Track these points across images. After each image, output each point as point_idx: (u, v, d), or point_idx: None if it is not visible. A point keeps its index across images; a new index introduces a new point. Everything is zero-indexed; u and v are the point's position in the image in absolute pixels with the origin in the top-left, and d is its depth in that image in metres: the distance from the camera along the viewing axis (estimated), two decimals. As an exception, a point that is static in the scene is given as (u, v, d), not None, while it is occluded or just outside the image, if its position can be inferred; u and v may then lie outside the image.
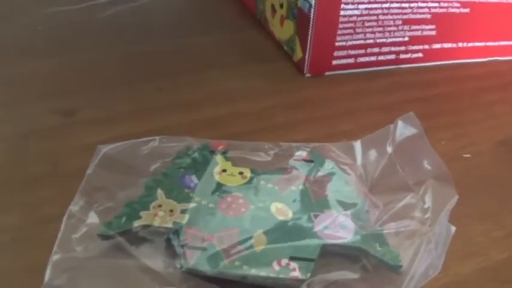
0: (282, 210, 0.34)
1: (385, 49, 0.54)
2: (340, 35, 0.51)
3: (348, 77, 0.53)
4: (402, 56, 0.55)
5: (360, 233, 0.32)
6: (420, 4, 0.52)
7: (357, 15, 0.50)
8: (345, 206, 0.34)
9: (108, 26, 0.60)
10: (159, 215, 0.33)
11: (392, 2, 0.51)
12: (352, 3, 0.50)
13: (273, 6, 0.57)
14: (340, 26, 0.50)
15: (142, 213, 0.33)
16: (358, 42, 0.52)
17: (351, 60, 0.53)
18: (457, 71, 0.56)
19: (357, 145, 0.39)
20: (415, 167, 0.37)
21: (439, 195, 0.35)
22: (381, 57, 0.54)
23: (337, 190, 0.36)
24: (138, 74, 0.52)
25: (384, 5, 0.51)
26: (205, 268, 0.30)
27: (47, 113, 0.45)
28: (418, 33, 0.54)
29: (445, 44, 0.56)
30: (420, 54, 0.55)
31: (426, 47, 0.55)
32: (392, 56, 0.55)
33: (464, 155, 0.43)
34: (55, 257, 0.31)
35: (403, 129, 0.38)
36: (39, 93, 0.48)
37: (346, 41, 0.52)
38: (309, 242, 0.32)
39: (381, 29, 0.52)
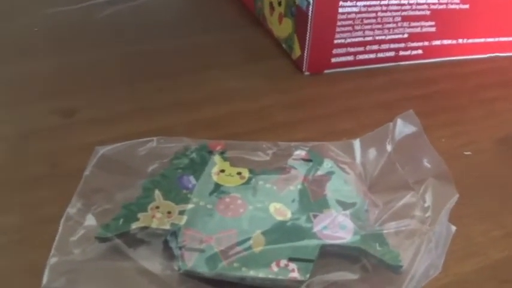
0: (280, 211, 0.33)
1: (384, 46, 0.53)
2: (338, 32, 0.51)
3: (347, 75, 0.53)
4: (402, 53, 0.55)
5: (359, 233, 0.32)
6: (419, 0, 0.52)
7: (356, 13, 0.50)
8: (344, 205, 0.34)
9: (108, 25, 0.60)
10: (157, 216, 0.33)
11: (391, -1, 0.51)
12: (351, 1, 0.49)
13: (271, 4, 0.57)
14: (339, 23, 0.50)
15: (140, 215, 0.33)
16: (357, 39, 0.52)
17: (350, 58, 0.53)
18: (457, 67, 0.56)
19: (356, 144, 0.39)
20: (415, 166, 0.37)
21: (440, 194, 0.35)
22: (380, 55, 0.54)
23: (336, 189, 0.35)
24: (138, 74, 0.51)
25: (383, 2, 0.51)
26: (204, 270, 0.30)
27: (47, 113, 0.45)
28: (418, 29, 0.54)
29: (445, 41, 0.56)
30: (420, 51, 0.55)
31: (426, 43, 0.55)
32: (392, 53, 0.54)
33: (465, 153, 0.43)
34: (53, 260, 0.30)
35: (402, 127, 0.38)
36: (38, 93, 0.48)
37: (345, 38, 0.51)
38: (308, 242, 0.31)
39: (379, 26, 0.52)
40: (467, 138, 0.45)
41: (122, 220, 0.32)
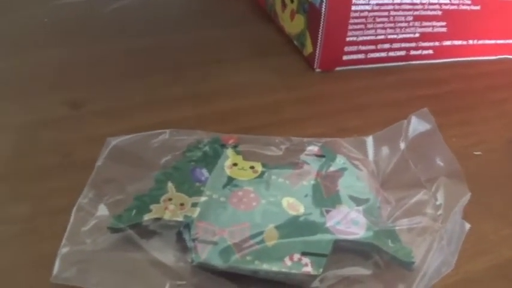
0: (293, 205, 0.33)
1: (395, 45, 0.53)
2: (351, 30, 0.51)
3: (358, 73, 0.53)
4: (412, 53, 0.55)
5: (372, 228, 0.32)
6: (431, 0, 0.52)
7: (368, 11, 0.50)
8: (357, 201, 0.34)
9: (119, 19, 0.60)
10: (170, 208, 0.33)
11: (403, -2, 0.51)
12: (364, -1, 0.49)
13: (283, 0, 0.57)
14: (351, 21, 0.50)
15: (152, 207, 0.33)
16: (368, 37, 0.52)
17: (361, 56, 0.53)
18: (467, 68, 0.56)
19: (369, 140, 0.39)
20: (427, 164, 0.37)
21: (451, 193, 0.35)
22: (391, 53, 0.54)
23: (348, 185, 0.35)
24: (148, 67, 0.51)
25: (395, 1, 0.51)
26: (217, 262, 0.30)
27: (57, 104, 0.45)
28: (429, 29, 0.54)
29: (456, 41, 0.56)
30: (430, 51, 0.55)
31: (437, 43, 0.55)
32: (403, 52, 0.54)
33: (475, 153, 0.43)
34: (64, 250, 0.30)
35: (416, 125, 0.38)
36: (49, 84, 0.48)
37: (357, 36, 0.51)
38: (321, 237, 0.31)
39: (392, 24, 0.52)
40: (478, 138, 0.45)
41: (134, 211, 0.32)
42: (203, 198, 0.33)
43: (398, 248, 0.32)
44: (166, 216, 0.32)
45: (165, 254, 0.31)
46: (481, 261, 0.34)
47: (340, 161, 0.37)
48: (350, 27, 0.50)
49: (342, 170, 0.36)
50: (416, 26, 0.53)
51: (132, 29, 0.58)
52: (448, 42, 0.55)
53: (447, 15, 0.53)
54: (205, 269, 0.30)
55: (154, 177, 0.35)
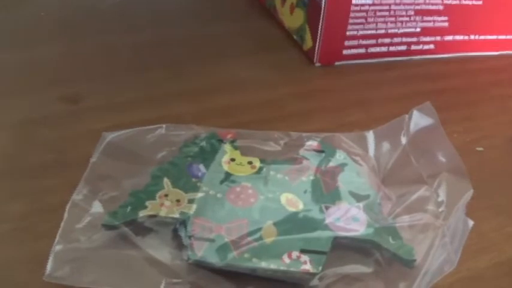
0: (292, 201, 0.33)
1: (396, 40, 0.53)
2: (351, 24, 0.50)
3: (358, 67, 0.52)
4: (414, 47, 0.54)
5: (372, 225, 0.32)
6: (433, -6, 0.51)
7: (369, 5, 0.50)
8: (357, 197, 0.34)
9: (117, 13, 0.60)
10: (166, 204, 0.32)
11: (404, -8, 0.50)
12: (364, -8, 0.49)
13: (282, -6, 0.56)
14: (352, 15, 0.50)
15: (148, 203, 0.32)
16: (369, 32, 0.51)
17: (361, 51, 0.52)
18: (469, 63, 0.55)
19: (370, 135, 0.38)
20: (429, 159, 0.36)
21: (454, 189, 0.34)
22: (392, 48, 0.53)
23: (349, 181, 0.35)
24: (146, 62, 0.51)
25: (396, -5, 0.50)
26: (214, 260, 0.29)
27: (53, 100, 0.44)
28: (430, 24, 0.53)
29: (457, 36, 0.55)
30: (432, 46, 0.55)
31: (438, 38, 0.54)
32: (404, 47, 0.54)
33: (477, 149, 0.42)
34: (57, 248, 0.30)
35: (418, 119, 0.38)
36: (45, 80, 0.47)
37: (357, 30, 0.51)
38: (320, 234, 0.31)
39: (392, 19, 0.51)
40: (480, 134, 0.44)
41: (129, 208, 0.32)
42: (200, 194, 0.33)
43: (399, 245, 0.31)
44: (162, 213, 0.32)
45: (161, 251, 0.30)
46: (484, 258, 0.33)
47: (340, 156, 0.37)
48: (350, 21, 0.50)
49: (342, 166, 0.36)
50: (417, 21, 0.52)
51: (130, 24, 0.58)
52: (449, 37, 0.55)
53: (449, 9, 0.53)
54: (201, 266, 0.29)
55: (150, 172, 0.34)
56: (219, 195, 0.33)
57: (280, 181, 0.34)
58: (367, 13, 0.50)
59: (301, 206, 0.33)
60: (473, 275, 0.32)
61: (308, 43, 0.52)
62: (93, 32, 0.56)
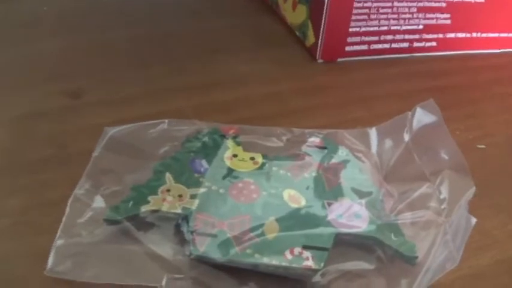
0: (294, 198, 0.33)
1: (399, 37, 0.53)
2: (354, 20, 0.50)
3: (361, 64, 0.52)
4: (416, 45, 0.54)
5: (374, 222, 0.32)
6: (436, -8, 0.51)
7: (372, 1, 0.49)
8: (359, 194, 0.34)
9: (117, 8, 0.60)
10: (168, 200, 0.32)
11: (407, -11, 0.50)
12: (368, -11, 0.49)
13: (284, -10, 0.56)
14: (355, 11, 0.49)
15: (150, 198, 0.32)
16: (372, 28, 0.51)
17: (364, 47, 0.52)
18: (471, 61, 0.55)
19: (372, 132, 0.38)
20: (432, 156, 0.36)
21: (456, 186, 0.34)
22: (395, 45, 0.53)
23: (351, 178, 0.35)
24: (147, 57, 0.51)
25: (399, -8, 0.50)
26: (216, 256, 0.29)
27: (55, 94, 0.44)
28: (433, 21, 0.53)
29: (459, 34, 0.55)
30: (434, 43, 0.54)
31: (440, 35, 0.54)
32: (406, 44, 0.53)
33: (479, 146, 0.42)
34: (59, 242, 0.30)
35: (421, 116, 0.37)
36: (47, 74, 0.47)
37: (360, 27, 0.51)
38: (322, 230, 0.31)
39: (395, 16, 0.51)
40: (482, 132, 0.44)
41: (131, 202, 0.32)
42: (202, 190, 0.33)
43: (401, 242, 0.31)
44: (164, 208, 0.31)
45: (163, 246, 0.30)
46: (485, 256, 0.33)
47: (342, 152, 0.36)
48: (353, 17, 0.50)
49: (344, 162, 0.36)
50: (420, 18, 0.52)
51: (131, 19, 0.57)
52: (451, 35, 0.55)
53: (451, 7, 0.53)
54: (203, 262, 0.29)
55: (152, 167, 0.34)
56: (221, 190, 0.33)
57: (282, 177, 0.34)
58: (369, 10, 0.50)
59: (303, 202, 0.33)
60: (475, 272, 0.32)
61: (310, 39, 0.52)
62: (93, 27, 0.55)
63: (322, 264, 0.29)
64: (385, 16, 0.51)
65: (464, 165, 0.35)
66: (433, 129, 0.37)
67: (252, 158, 0.35)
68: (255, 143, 0.37)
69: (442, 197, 0.34)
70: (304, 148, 0.37)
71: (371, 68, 0.52)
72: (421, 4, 0.52)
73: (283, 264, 0.29)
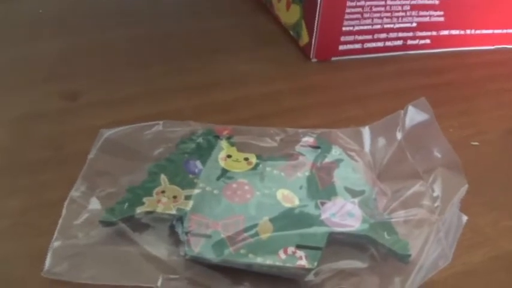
0: (288, 197, 0.33)
1: (392, 35, 0.53)
2: (347, 19, 0.50)
3: (355, 63, 0.52)
4: (410, 42, 0.54)
5: (368, 221, 0.32)
6: (429, -11, 0.51)
7: (365, 0, 0.50)
8: (352, 193, 0.34)
9: (115, 9, 0.60)
10: (163, 201, 0.32)
11: (400, -13, 0.50)
12: (360, -13, 0.49)
13: (278, -10, 0.56)
14: (348, 10, 0.50)
15: (145, 199, 0.32)
16: (365, 27, 0.51)
17: (357, 46, 0.52)
18: (465, 58, 0.55)
19: (365, 131, 0.39)
20: (424, 155, 0.36)
21: (449, 184, 0.34)
22: (388, 43, 0.53)
23: (344, 177, 0.35)
24: (144, 58, 0.51)
25: (392, -10, 0.50)
26: (210, 256, 0.29)
27: (51, 96, 0.44)
28: (426, 19, 0.53)
29: (453, 31, 0.55)
30: (428, 41, 0.55)
31: (434, 33, 0.54)
32: (400, 42, 0.54)
33: (473, 143, 0.42)
34: (56, 244, 0.30)
35: (414, 114, 0.38)
36: (43, 75, 0.47)
37: (353, 26, 0.51)
38: (316, 230, 0.31)
39: (388, 14, 0.51)
40: (475, 129, 0.44)
41: (126, 204, 0.32)
42: (196, 191, 0.33)
43: (394, 240, 0.31)
44: (159, 209, 0.32)
45: (158, 247, 0.31)
46: (478, 253, 0.33)
47: (335, 152, 0.37)
48: (346, 16, 0.50)
49: (338, 161, 0.36)
50: (413, 16, 0.52)
51: (129, 20, 0.58)
52: (445, 32, 0.55)
53: (444, 4, 0.53)
54: (198, 262, 0.30)
55: (147, 169, 0.35)
56: (215, 191, 0.33)
57: (276, 177, 0.34)
58: (363, 8, 0.50)
59: (297, 202, 0.33)
60: (467, 269, 0.32)
61: (304, 39, 0.52)
62: (91, 28, 0.56)
63: (315, 264, 0.29)
64: (378, 15, 0.51)
65: (457, 163, 0.35)
66: (425, 128, 0.37)
67: (246, 159, 0.36)
68: (249, 144, 0.37)
69: (435, 195, 0.34)
70: (297, 148, 0.37)
71: (365, 66, 0.52)
72: (414, 2, 0.52)
73: (277, 263, 0.29)
